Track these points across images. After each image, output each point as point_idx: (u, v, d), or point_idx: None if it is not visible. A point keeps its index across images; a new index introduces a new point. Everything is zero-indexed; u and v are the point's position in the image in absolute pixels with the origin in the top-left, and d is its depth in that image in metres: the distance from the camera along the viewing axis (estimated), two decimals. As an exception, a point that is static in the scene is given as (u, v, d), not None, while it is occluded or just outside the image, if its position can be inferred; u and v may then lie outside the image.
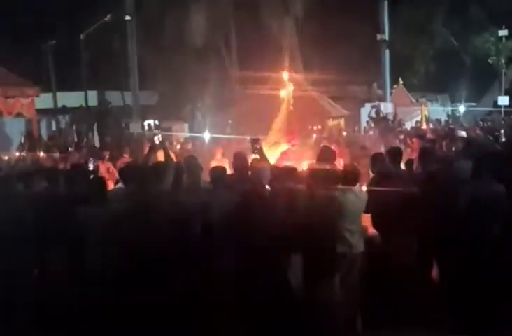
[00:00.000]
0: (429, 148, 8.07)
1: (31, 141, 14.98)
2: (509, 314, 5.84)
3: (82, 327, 5.42)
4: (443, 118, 22.78)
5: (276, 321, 5.30)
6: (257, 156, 7.52)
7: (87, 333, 5.43)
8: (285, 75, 9.48)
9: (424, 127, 16.85)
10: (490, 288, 5.69)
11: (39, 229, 5.74)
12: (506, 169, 6.60)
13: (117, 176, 7.77)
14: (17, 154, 12.23)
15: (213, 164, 8.67)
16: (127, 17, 24.20)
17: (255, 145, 9.12)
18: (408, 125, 19.47)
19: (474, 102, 29.37)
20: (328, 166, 6.59)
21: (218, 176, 6.09)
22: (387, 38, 25.34)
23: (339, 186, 5.83)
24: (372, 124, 19.66)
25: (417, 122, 19.34)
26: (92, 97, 25.16)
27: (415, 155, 8.54)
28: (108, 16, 24.00)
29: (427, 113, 18.79)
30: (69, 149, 12.89)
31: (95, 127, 16.95)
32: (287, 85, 9.50)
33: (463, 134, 13.32)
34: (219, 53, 29.51)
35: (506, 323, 5.78)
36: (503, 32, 27.57)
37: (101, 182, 6.15)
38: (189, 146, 12.66)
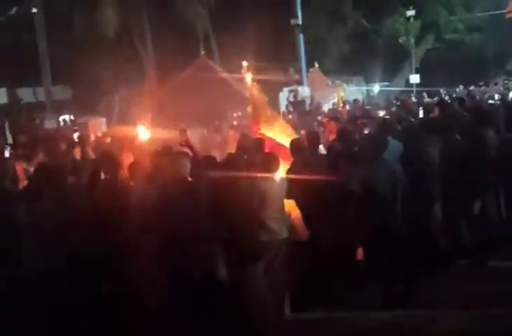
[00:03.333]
0: (345, 130, 8.21)
1: None
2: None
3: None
4: (360, 99, 23.27)
5: (204, 310, 5.32)
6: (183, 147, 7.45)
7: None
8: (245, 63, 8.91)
9: (340, 108, 17.16)
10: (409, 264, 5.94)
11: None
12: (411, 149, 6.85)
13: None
14: None
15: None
16: (34, 10, 23.37)
17: (182, 136, 9.08)
18: (326, 107, 19.80)
19: (388, 82, 30.16)
20: (247, 155, 6.62)
21: (136, 170, 6.02)
22: (300, 23, 25.63)
23: (260, 175, 5.87)
24: (291, 108, 19.89)
25: (334, 104, 19.68)
26: (1, 94, 24.19)
27: (332, 137, 8.70)
28: (14, 9, 23.13)
29: (343, 94, 19.13)
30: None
31: (6, 126, 16.34)
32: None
33: (380, 114, 13.66)
34: (133, 43, 28.97)
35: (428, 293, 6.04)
36: (410, 12, 28.45)
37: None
38: (108, 140, 12.38)
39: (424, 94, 21.77)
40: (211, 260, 5.58)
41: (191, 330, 5.35)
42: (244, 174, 5.93)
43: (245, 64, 8.83)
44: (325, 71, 26.51)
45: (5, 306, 5.20)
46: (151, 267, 5.48)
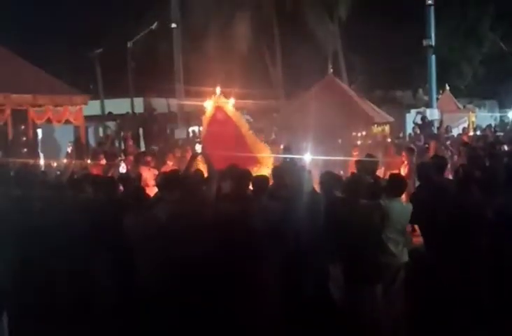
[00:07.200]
0: (478, 157, 7.93)
1: (79, 148, 15.30)
2: None
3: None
4: (492, 124, 22.32)
5: (318, 330, 5.28)
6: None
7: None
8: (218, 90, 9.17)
9: (471, 133, 16.56)
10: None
11: (85, 235, 5.84)
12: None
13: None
14: (65, 161, 12.50)
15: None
16: (173, 25, 24.57)
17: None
18: (455, 132, 19.16)
19: (524, 108, 28.65)
20: (369, 176, 6.56)
21: (261, 184, 6.10)
22: (433, 44, 24.99)
23: (384, 196, 5.78)
24: (418, 131, 19.44)
25: (464, 128, 19.02)
26: (138, 104, 25.55)
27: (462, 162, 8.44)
28: (155, 24, 24.43)
29: (474, 119, 18.45)
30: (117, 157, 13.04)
31: (141, 134, 17.31)
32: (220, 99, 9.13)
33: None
34: (263, 59, 29.64)
35: None
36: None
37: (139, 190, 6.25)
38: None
39: None
40: (326, 276, 5.56)
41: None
42: (367, 194, 5.87)
43: (218, 91, 8.95)
44: (457, 94, 25.69)
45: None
46: (266, 277, 5.52)
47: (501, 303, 5.72)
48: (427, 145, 13.46)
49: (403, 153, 10.15)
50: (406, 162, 9.85)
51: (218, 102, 9.04)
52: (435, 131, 19.53)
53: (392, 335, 5.60)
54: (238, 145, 8.73)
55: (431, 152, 10.61)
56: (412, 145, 12.16)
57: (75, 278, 5.80)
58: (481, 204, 5.87)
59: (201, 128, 9.74)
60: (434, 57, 25.11)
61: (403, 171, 9.27)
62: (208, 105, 9.17)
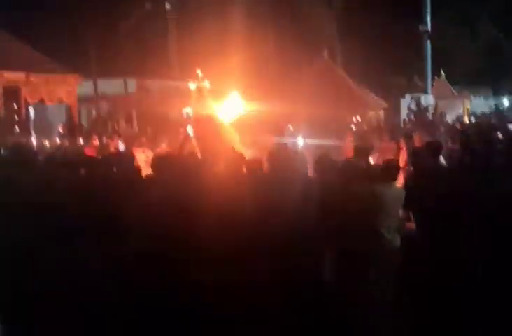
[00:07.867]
0: (471, 144, 7.89)
1: (71, 128, 15.20)
2: None
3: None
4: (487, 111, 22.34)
5: (310, 319, 5.28)
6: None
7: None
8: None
9: (466, 120, 16.57)
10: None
11: (78, 217, 5.77)
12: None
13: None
14: (57, 141, 12.42)
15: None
16: (167, 6, 24.36)
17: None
18: (449, 118, 19.17)
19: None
20: (363, 161, 6.54)
21: (254, 167, 6.08)
22: (429, 30, 24.93)
23: (377, 181, 5.76)
24: (412, 117, 19.44)
25: (459, 116, 19.02)
26: (132, 85, 25.30)
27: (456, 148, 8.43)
28: (149, 4, 24.21)
29: (468, 106, 18.44)
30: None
31: (134, 115, 17.21)
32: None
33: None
34: (255, 43, 29.40)
35: None
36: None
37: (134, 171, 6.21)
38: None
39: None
40: (319, 261, 5.55)
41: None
42: (360, 179, 5.85)
43: (200, 73, 9.31)
44: (452, 80, 25.66)
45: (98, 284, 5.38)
46: (258, 261, 5.49)
47: (495, 288, 5.74)
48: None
49: (402, 139, 10.08)
50: (404, 148, 9.78)
51: (199, 84, 9.37)
52: (430, 117, 19.53)
53: (384, 322, 5.62)
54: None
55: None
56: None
57: (66, 262, 5.73)
58: (473, 190, 5.87)
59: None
60: (429, 42, 25.07)
61: (402, 158, 9.22)
62: (192, 86, 9.48)
